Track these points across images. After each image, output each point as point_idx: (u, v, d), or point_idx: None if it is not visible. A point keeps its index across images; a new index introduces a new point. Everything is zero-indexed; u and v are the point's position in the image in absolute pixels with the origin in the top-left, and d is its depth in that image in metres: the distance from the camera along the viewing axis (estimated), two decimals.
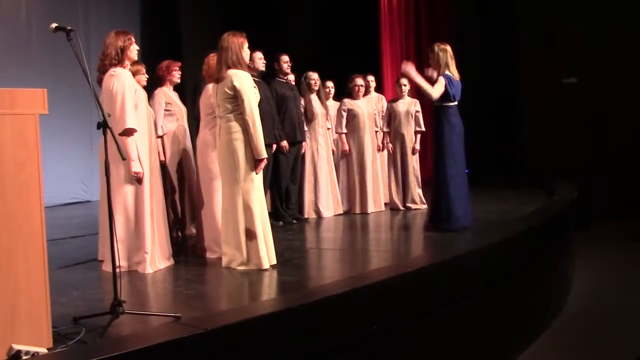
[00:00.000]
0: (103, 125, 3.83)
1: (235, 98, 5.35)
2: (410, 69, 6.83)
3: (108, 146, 4.15)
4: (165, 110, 7.11)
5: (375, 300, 4.50)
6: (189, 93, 8.14)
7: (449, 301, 5.05)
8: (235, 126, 5.37)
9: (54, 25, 3.93)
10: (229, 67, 5.37)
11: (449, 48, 6.90)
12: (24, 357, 3.14)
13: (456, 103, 6.90)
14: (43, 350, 3.29)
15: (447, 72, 6.85)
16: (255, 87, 5.49)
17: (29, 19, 10.49)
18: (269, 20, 11.16)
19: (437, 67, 6.90)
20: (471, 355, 5.41)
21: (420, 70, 7.06)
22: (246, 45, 5.46)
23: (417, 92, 7.96)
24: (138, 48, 5.43)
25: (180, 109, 7.28)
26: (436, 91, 6.75)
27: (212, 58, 6.17)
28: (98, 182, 7.76)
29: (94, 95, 3.78)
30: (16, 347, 3.15)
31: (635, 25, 12.15)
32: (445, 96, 6.82)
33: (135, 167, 5.26)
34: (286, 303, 4.18)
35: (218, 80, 5.44)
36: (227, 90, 5.36)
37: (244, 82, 5.33)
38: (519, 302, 6.27)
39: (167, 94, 7.22)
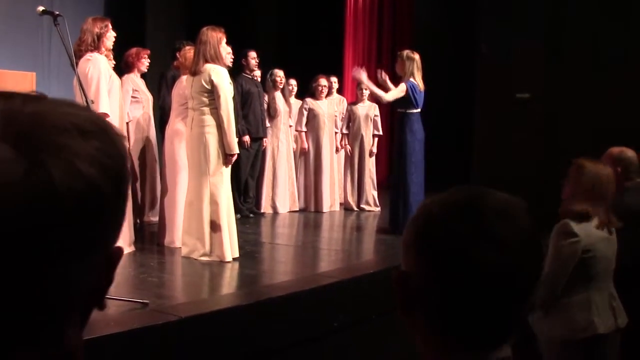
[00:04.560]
0: None
1: (211, 92, 5.45)
2: (361, 75, 7.02)
3: None
4: (131, 97, 7.13)
5: (329, 300, 4.65)
6: (151, 81, 8.15)
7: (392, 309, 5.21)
8: (209, 119, 5.46)
9: (41, 8, 3.97)
10: (206, 61, 5.46)
11: (417, 57, 7.08)
12: None
13: (419, 110, 7.09)
14: None
15: (411, 79, 7.03)
16: (231, 83, 5.60)
17: None
18: (236, 15, 11.19)
19: (402, 74, 7.08)
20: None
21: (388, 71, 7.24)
22: (224, 40, 5.55)
23: (372, 96, 8.13)
24: (115, 35, 5.47)
25: (147, 97, 7.31)
26: (390, 95, 6.92)
27: (189, 51, 6.24)
28: None
29: (78, 82, 3.83)
30: None
31: (590, 42, 12.59)
32: (409, 103, 7.00)
33: None
34: (255, 296, 4.31)
35: (195, 73, 5.51)
36: (204, 84, 5.45)
37: (222, 78, 5.43)
38: None
39: (134, 81, 7.24)
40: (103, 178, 0.67)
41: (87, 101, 3.93)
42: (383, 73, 7.16)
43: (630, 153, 4.46)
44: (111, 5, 11.06)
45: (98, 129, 0.69)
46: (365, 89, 8.94)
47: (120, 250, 0.73)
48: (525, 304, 1.09)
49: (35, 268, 0.65)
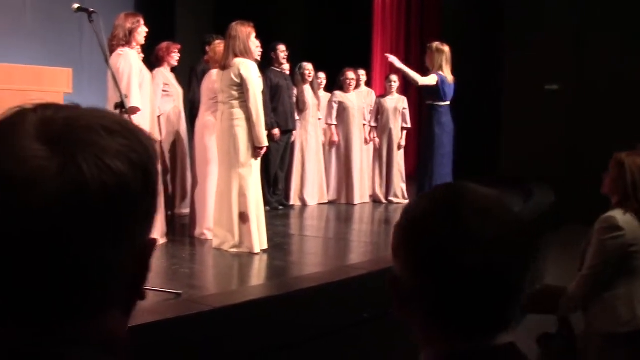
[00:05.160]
0: (120, 106, 3.97)
1: (241, 86, 5.52)
2: (393, 59, 7.06)
3: None
4: (162, 91, 7.22)
5: (359, 292, 4.69)
6: (181, 75, 8.24)
7: None
8: (238, 113, 5.54)
9: (76, 5, 4.05)
10: (236, 56, 5.53)
11: (447, 49, 7.09)
12: None
13: (448, 103, 7.10)
14: None
15: (440, 72, 7.04)
16: (260, 76, 5.66)
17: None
18: (264, 9, 11.25)
19: (431, 66, 7.09)
20: None
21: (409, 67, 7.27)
22: (253, 35, 5.62)
23: (402, 77, 8.13)
24: (147, 30, 5.56)
25: (177, 91, 7.40)
26: (424, 79, 6.94)
27: (218, 45, 6.32)
28: None
29: (112, 78, 3.91)
30: None
31: (617, 34, 12.46)
32: (437, 95, 7.01)
33: None
34: (285, 287, 4.37)
35: (224, 67, 5.59)
36: (233, 77, 5.52)
37: (251, 72, 5.50)
38: None
39: (164, 75, 7.33)
40: (131, 171, 0.74)
41: (121, 95, 4.01)
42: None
43: None
44: (142, 1, 11.18)
45: (124, 128, 0.76)
46: (398, 83, 8.97)
47: (154, 241, 0.79)
48: (519, 294, 1.12)
49: (71, 257, 0.71)
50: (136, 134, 0.78)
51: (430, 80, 6.94)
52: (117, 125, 0.76)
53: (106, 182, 0.72)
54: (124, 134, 0.76)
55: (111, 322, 0.78)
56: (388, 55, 7.39)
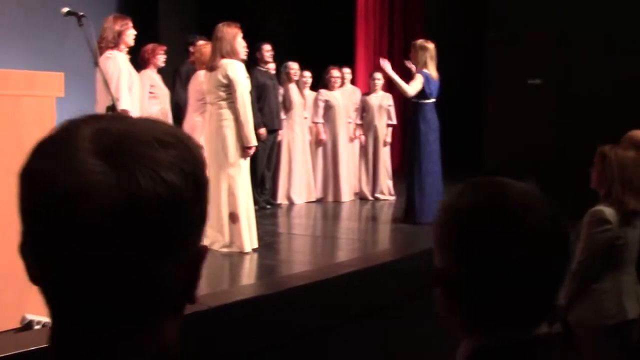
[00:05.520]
0: (112, 109, 4.00)
1: (228, 87, 5.56)
2: (386, 65, 7.11)
3: None
4: (149, 93, 7.24)
5: (349, 289, 4.75)
6: (166, 76, 8.25)
7: (411, 293, 5.31)
8: (227, 114, 5.58)
9: (66, 9, 4.08)
10: (222, 57, 5.57)
11: (431, 47, 7.14)
12: (36, 327, 3.30)
13: (433, 100, 7.16)
14: None
15: (425, 69, 7.09)
16: (248, 77, 5.71)
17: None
18: (247, 9, 11.26)
19: (416, 64, 7.15)
20: (432, 342, 5.68)
21: (393, 65, 7.34)
22: (240, 35, 5.66)
23: (393, 88, 8.22)
24: (135, 33, 5.58)
25: (163, 92, 7.41)
26: (412, 88, 7.00)
27: (203, 46, 6.36)
28: None
29: (104, 81, 3.94)
30: (29, 316, 3.32)
31: (600, 29, 12.60)
32: (422, 93, 7.07)
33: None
34: (276, 286, 4.42)
35: (212, 68, 5.62)
36: (220, 78, 5.56)
37: (238, 72, 5.55)
38: None
39: (150, 76, 7.34)
40: (183, 183, 0.76)
41: (113, 99, 4.04)
42: (409, 62, 7.28)
43: None
44: (124, 3, 11.16)
45: (176, 139, 0.79)
46: (382, 80, 9.04)
47: (205, 248, 0.82)
48: (558, 286, 1.18)
49: (128, 269, 0.74)
50: (187, 143, 0.80)
51: (418, 84, 7.00)
52: (168, 137, 0.78)
53: (160, 194, 0.74)
54: (176, 145, 0.78)
55: (164, 329, 0.80)
56: (382, 60, 7.46)
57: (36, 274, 0.78)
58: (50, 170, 0.74)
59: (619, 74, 12.62)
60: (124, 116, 0.82)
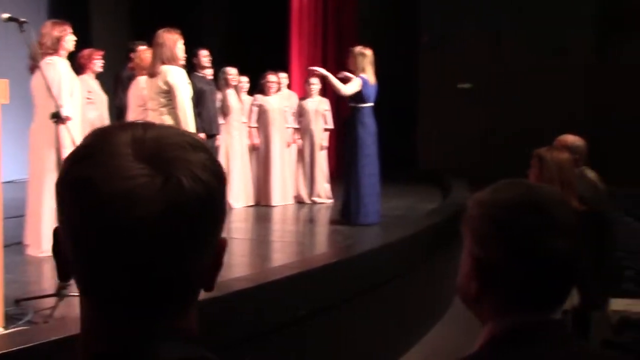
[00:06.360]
0: (56, 116, 3.99)
1: (169, 93, 5.59)
2: (319, 69, 7.27)
3: (41, 132, 4.30)
4: (86, 98, 7.17)
5: (290, 292, 4.81)
6: (103, 82, 8.19)
7: (354, 294, 5.43)
8: (168, 120, 5.60)
9: (6, 15, 4.05)
10: (163, 63, 5.59)
11: (369, 53, 7.29)
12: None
13: (371, 104, 7.30)
14: None
15: (363, 74, 7.23)
16: (189, 83, 5.74)
17: None
18: (182, 15, 11.24)
19: (354, 69, 7.28)
20: (374, 343, 5.81)
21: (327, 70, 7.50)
22: (181, 42, 5.69)
23: (329, 93, 8.36)
24: (75, 38, 5.55)
25: (101, 98, 7.37)
26: (348, 88, 7.14)
27: (143, 52, 6.35)
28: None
29: (48, 88, 3.94)
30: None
31: (527, 35, 13.05)
32: (360, 97, 7.21)
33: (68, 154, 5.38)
34: (218, 290, 4.46)
35: (152, 74, 5.64)
36: (161, 85, 5.58)
37: (179, 79, 5.58)
38: (421, 292, 6.78)
39: (88, 82, 7.29)
40: (215, 181, 0.86)
41: (57, 105, 4.03)
42: (343, 73, 7.42)
43: (579, 142, 4.74)
44: (54, 8, 10.98)
45: (201, 144, 0.88)
46: (319, 85, 9.18)
47: (225, 240, 0.91)
48: (576, 276, 1.34)
49: (174, 262, 0.83)
50: (207, 147, 0.89)
51: (355, 86, 7.14)
52: (196, 141, 0.87)
53: (199, 193, 0.83)
54: (203, 149, 0.87)
55: (191, 314, 0.89)
56: (313, 68, 7.61)
57: (78, 270, 0.86)
58: (95, 177, 0.81)
59: (546, 78, 13.08)
60: (149, 123, 0.90)
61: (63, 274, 0.88)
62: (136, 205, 0.80)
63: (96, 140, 0.86)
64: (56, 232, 0.88)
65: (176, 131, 0.88)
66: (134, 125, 0.87)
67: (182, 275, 0.85)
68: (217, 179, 0.86)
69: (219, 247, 0.90)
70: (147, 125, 0.88)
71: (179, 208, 0.81)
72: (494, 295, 1.32)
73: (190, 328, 0.89)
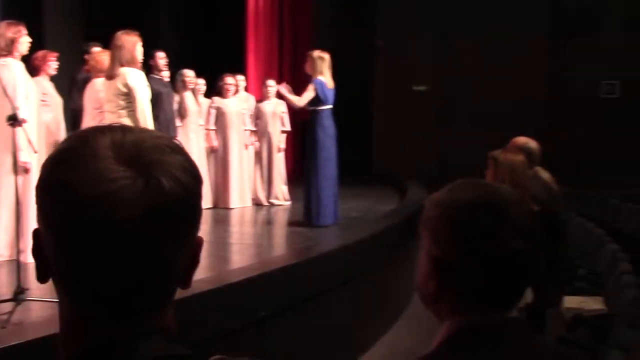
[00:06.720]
0: (13, 118, 3.95)
1: (128, 95, 5.56)
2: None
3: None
4: (41, 101, 7.07)
5: (249, 293, 4.83)
6: (58, 84, 8.08)
7: (314, 295, 5.47)
8: (127, 122, 5.55)
9: None
10: (122, 65, 5.56)
11: (327, 57, 7.35)
12: None
13: (330, 107, 7.36)
14: None
15: (319, 77, 7.28)
16: (148, 85, 5.72)
17: None
18: (138, 16, 11.15)
19: (312, 73, 7.33)
20: (334, 343, 5.85)
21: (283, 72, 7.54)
22: (139, 44, 5.66)
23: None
24: (30, 40, 5.48)
25: (56, 100, 7.26)
26: (302, 100, 7.24)
27: (98, 54, 6.30)
28: None
29: (3, 90, 3.89)
30: None
31: (479, 39, 13.27)
32: (318, 100, 7.26)
33: (24, 157, 5.31)
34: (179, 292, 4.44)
35: (111, 77, 5.60)
36: (120, 87, 5.55)
37: (139, 81, 5.56)
38: (379, 292, 6.85)
39: (42, 84, 7.17)
40: (193, 182, 0.88)
41: (13, 107, 3.99)
42: (285, 85, 7.50)
43: (533, 144, 4.86)
44: (6, 9, 10.79)
45: (177, 146, 0.91)
46: (275, 87, 9.24)
47: (201, 239, 0.94)
48: (531, 276, 1.37)
49: (155, 261, 0.86)
50: (183, 149, 0.91)
51: (308, 95, 7.22)
52: (173, 144, 0.89)
53: (179, 194, 0.85)
54: (180, 151, 0.89)
55: (169, 311, 0.92)
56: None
57: (60, 271, 0.87)
58: (78, 179, 0.83)
59: (497, 80, 13.31)
60: (127, 126, 0.92)
61: (42, 275, 0.90)
62: (119, 207, 0.82)
63: (76, 144, 0.87)
64: (36, 234, 0.89)
65: (153, 134, 0.90)
66: (112, 128, 0.89)
67: (162, 274, 0.87)
68: (195, 180, 0.89)
69: (196, 246, 0.93)
70: (125, 129, 0.89)
71: (160, 209, 0.84)
72: (452, 295, 1.33)
73: (169, 326, 0.91)
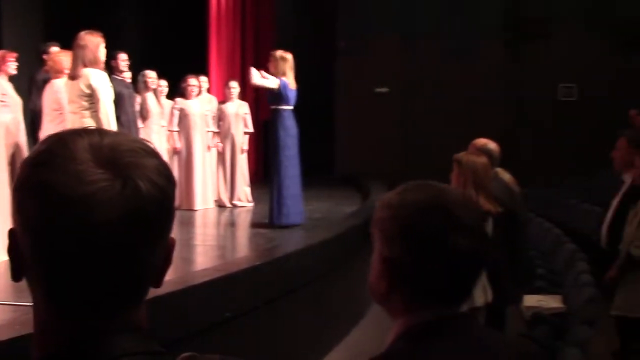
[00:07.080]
0: None
1: (91, 96, 5.52)
2: (256, 79, 7.29)
3: None
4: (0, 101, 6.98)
5: (214, 294, 4.83)
6: (16, 84, 7.97)
7: (278, 296, 5.49)
8: (89, 123, 5.52)
9: None
10: (85, 66, 5.52)
11: (290, 58, 7.38)
12: None
13: (291, 107, 7.38)
14: None
15: (283, 78, 7.30)
16: (111, 86, 5.68)
17: None
18: (98, 17, 11.02)
19: (275, 73, 7.34)
20: (297, 344, 5.88)
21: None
22: (102, 44, 5.63)
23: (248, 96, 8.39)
24: None
25: (15, 101, 7.15)
26: (272, 81, 7.19)
27: (57, 54, 6.25)
28: None
29: None
30: None
31: (440, 41, 13.42)
32: (281, 100, 7.28)
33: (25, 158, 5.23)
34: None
35: (73, 77, 5.56)
36: (83, 88, 5.51)
37: (102, 82, 5.53)
38: (343, 293, 6.90)
39: (1, 84, 7.06)
40: (168, 185, 0.91)
41: None
42: (262, 72, 7.46)
43: (492, 145, 4.94)
44: None
45: (152, 149, 0.93)
46: (238, 89, 9.25)
47: (173, 239, 0.96)
48: (479, 273, 1.42)
49: (132, 260, 0.88)
50: (158, 152, 0.94)
51: (272, 82, 7.21)
52: (147, 147, 0.92)
53: (156, 196, 0.88)
54: (155, 154, 0.92)
55: (141, 310, 0.94)
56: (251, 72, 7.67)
57: (36, 271, 0.89)
58: (57, 181, 0.85)
59: (457, 82, 13.47)
60: (103, 129, 0.94)
61: (17, 275, 0.91)
62: (97, 209, 0.84)
63: (55, 146, 0.88)
64: (12, 233, 0.90)
65: (128, 137, 0.93)
66: (89, 131, 0.91)
67: (138, 274, 0.90)
68: (170, 183, 0.92)
69: (169, 247, 0.95)
70: (102, 132, 0.92)
71: (137, 211, 0.86)
72: (403, 293, 1.36)
73: (142, 324, 0.93)
